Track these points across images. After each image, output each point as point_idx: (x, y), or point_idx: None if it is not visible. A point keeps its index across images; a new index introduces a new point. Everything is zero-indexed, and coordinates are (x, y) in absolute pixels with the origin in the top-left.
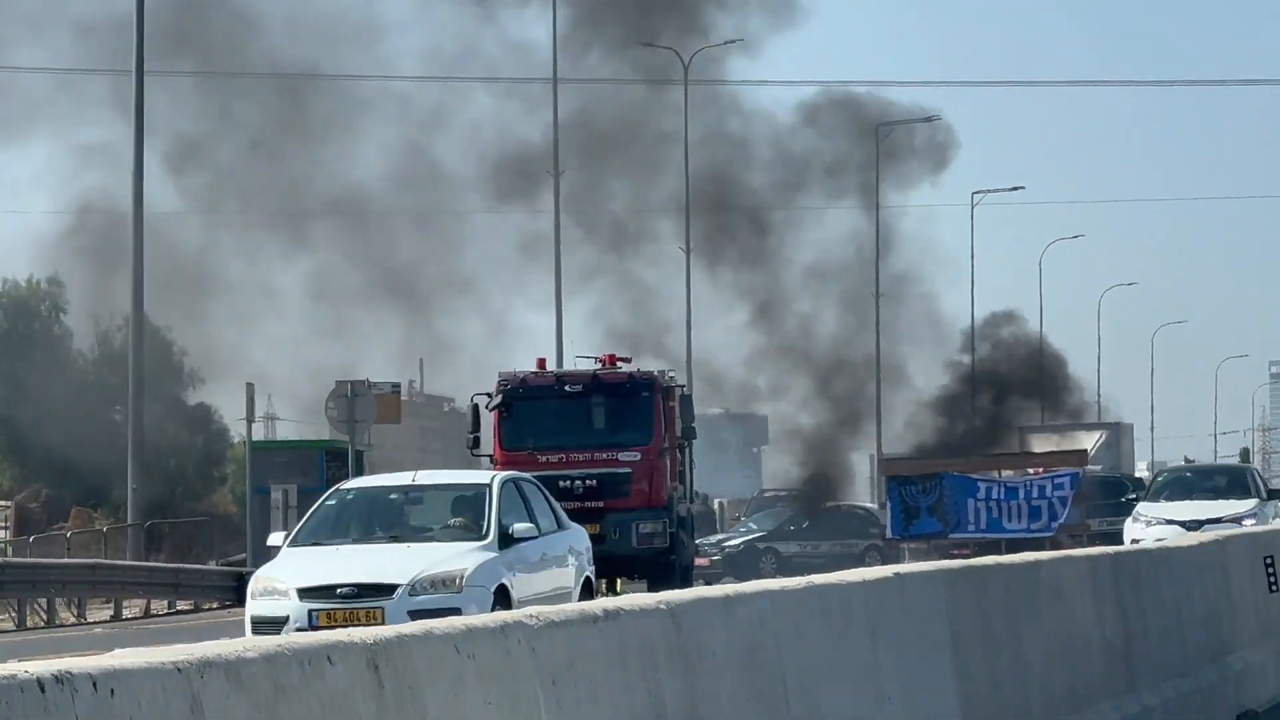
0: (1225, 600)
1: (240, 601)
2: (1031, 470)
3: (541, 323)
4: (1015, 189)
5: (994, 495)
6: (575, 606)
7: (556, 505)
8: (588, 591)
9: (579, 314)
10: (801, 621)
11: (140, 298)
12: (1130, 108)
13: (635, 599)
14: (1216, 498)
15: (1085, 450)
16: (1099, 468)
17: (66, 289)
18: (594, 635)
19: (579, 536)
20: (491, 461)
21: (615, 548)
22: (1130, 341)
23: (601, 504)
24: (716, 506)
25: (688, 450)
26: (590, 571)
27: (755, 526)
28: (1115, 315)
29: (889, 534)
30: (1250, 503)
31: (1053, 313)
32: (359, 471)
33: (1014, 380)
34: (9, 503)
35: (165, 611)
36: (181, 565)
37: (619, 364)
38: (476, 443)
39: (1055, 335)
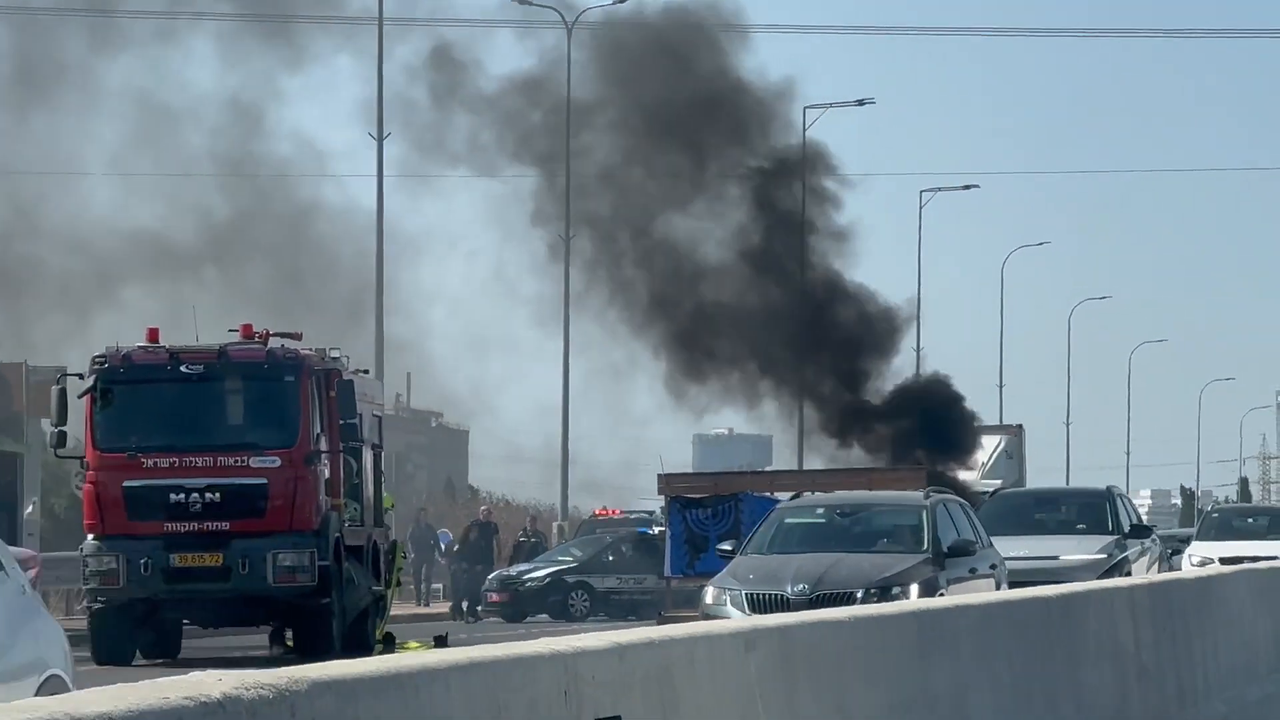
0: None
1: None
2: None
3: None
4: (968, 188)
5: None
6: None
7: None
8: None
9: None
10: None
11: None
12: (1104, 83)
13: None
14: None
15: (925, 467)
16: (999, 484)
17: None
18: None
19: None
20: (82, 465)
21: (244, 584)
22: (1105, 360)
23: (227, 526)
24: (555, 531)
25: (371, 456)
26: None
27: (579, 554)
28: (1088, 332)
29: (667, 571)
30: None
31: (1018, 327)
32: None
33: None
34: None
35: None
36: None
37: (274, 340)
38: (62, 440)
39: (1020, 351)
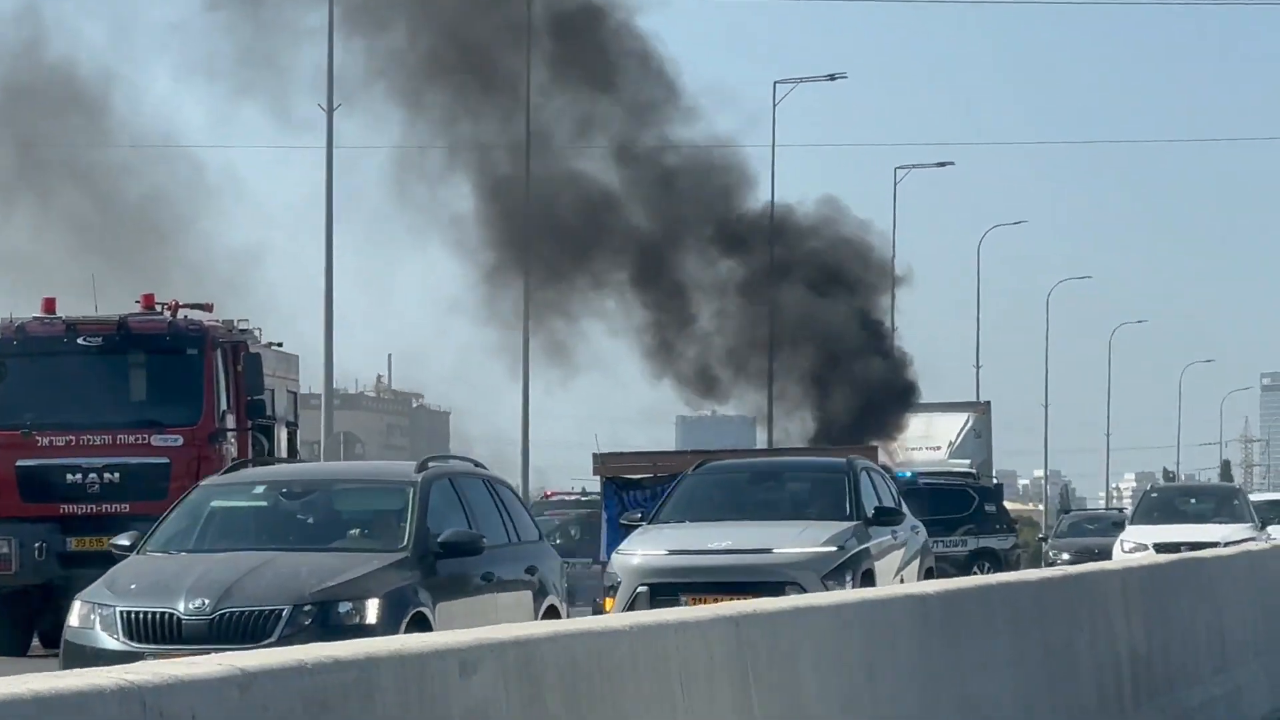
0: None
1: None
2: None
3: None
4: (943, 165)
5: None
6: None
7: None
8: None
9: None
10: None
11: None
12: (1084, 60)
13: None
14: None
15: (876, 447)
16: (966, 463)
17: None
18: None
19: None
20: None
21: None
22: (1084, 341)
23: (127, 508)
24: None
25: (285, 434)
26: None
27: None
28: (1067, 313)
29: (602, 555)
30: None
31: (995, 307)
32: None
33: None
34: None
35: None
36: None
37: (182, 312)
38: None
39: (998, 332)
